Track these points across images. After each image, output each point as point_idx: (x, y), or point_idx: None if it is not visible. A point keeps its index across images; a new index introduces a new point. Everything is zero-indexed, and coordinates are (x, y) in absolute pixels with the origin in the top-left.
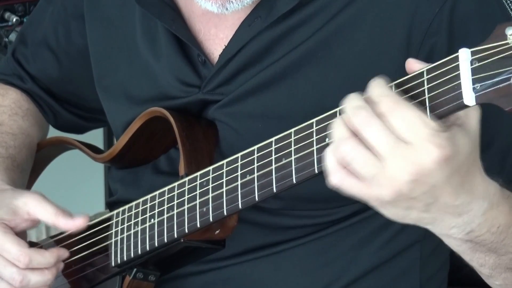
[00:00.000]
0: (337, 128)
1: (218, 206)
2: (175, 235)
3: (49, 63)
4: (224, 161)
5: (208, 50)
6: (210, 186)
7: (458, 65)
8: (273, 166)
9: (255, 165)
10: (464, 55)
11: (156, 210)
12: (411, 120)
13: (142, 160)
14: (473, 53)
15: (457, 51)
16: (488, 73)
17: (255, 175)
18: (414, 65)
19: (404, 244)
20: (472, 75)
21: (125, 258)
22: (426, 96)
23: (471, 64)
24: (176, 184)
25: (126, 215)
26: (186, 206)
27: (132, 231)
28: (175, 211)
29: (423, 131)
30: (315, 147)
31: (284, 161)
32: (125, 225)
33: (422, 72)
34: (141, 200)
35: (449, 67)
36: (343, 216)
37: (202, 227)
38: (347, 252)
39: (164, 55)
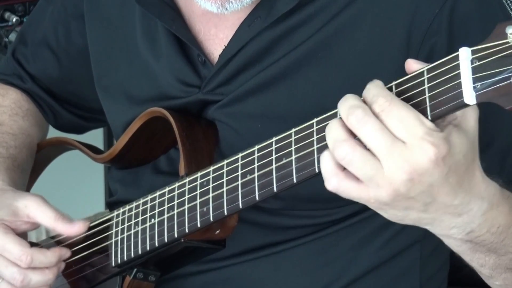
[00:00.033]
0: (333, 130)
1: (219, 206)
2: (176, 235)
3: (49, 63)
4: (225, 161)
5: (208, 50)
6: (211, 186)
7: (458, 64)
8: (274, 166)
9: (256, 164)
10: (465, 54)
11: (157, 210)
12: (407, 120)
13: (142, 160)
14: (473, 52)
15: (457, 51)
16: (488, 72)
17: (256, 174)
18: (413, 66)
19: (404, 244)
20: (473, 74)
21: (125, 258)
22: (427, 95)
23: (472, 63)
24: (176, 184)
25: (126, 215)
26: (186, 206)
27: (132, 231)
28: (175, 211)
29: (419, 130)
30: (315, 147)
31: (284, 161)
32: (125, 225)
33: (423, 72)
34: (141, 200)
35: (449, 66)
36: (343, 216)
37: (203, 227)
38: (347, 252)
39: (164, 55)
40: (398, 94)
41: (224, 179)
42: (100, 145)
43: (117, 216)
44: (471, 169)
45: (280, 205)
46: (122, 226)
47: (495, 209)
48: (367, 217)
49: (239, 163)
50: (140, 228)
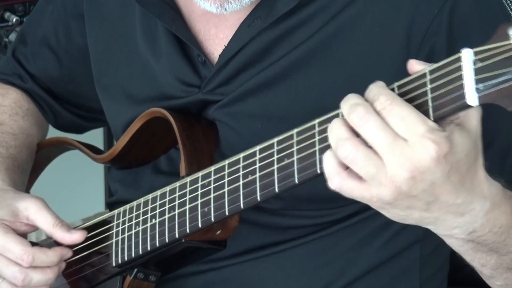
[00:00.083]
0: (336, 129)
1: (220, 206)
2: (177, 235)
3: (49, 63)
4: (226, 162)
5: (208, 50)
6: (212, 186)
7: (461, 65)
8: (275, 167)
9: (257, 165)
10: (467, 56)
11: (158, 210)
12: (408, 117)
13: (142, 160)
14: (476, 54)
15: (457, 52)
16: (491, 74)
17: (257, 175)
18: (415, 66)
19: (404, 244)
20: (475, 76)
21: (126, 258)
22: (429, 96)
23: (474, 65)
24: (177, 184)
25: (127, 215)
26: (187, 206)
27: (133, 231)
28: (176, 211)
29: (420, 128)
30: (317, 147)
31: (286, 161)
32: (126, 225)
33: (425, 73)
34: (142, 200)
35: (451, 68)
36: (343, 216)
37: (204, 227)
38: (347, 252)
39: (164, 55)
40: (401, 95)
41: (226, 180)
42: (100, 145)
43: (118, 216)
44: (473, 168)
45: (280, 205)
46: (123, 226)
47: (497, 209)
48: (367, 217)
49: (241, 164)
50: (141, 228)
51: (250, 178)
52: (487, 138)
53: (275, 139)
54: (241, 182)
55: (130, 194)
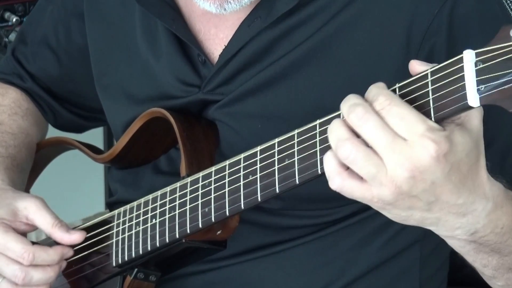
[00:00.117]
0: (336, 130)
1: (220, 207)
2: (177, 236)
3: (49, 62)
4: (227, 162)
5: (208, 50)
6: (213, 186)
7: (462, 66)
8: (276, 167)
9: (258, 166)
10: (469, 57)
11: (158, 211)
12: (408, 117)
13: (142, 160)
14: (477, 55)
15: (456, 52)
16: (492, 75)
17: (258, 175)
18: (417, 67)
19: (404, 244)
20: (477, 77)
21: (126, 258)
22: (431, 97)
23: (476, 66)
24: (178, 184)
25: (127, 215)
26: (188, 207)
27: (133, 231)
28: (177, 212)
29: (420, 127)
30: (318, 148)
31: (287, 162)
32: (127, 225)
33: (427, 74)
34: (142, 200)
35: (453, 69)
36: (343, 216)
37: (204, 228)
38: (347, 252)
39: (164, 55)
40: (402, 96)
41: (226, 180)
42: (100, 145)
43: (118, 216)
44: (475, 169)
45: (280, 205)
46: (123, 226)
47: (499, 210)
48: (367, 217)
49: (242, 164)
50: (141, 228)
51: (250, 178)
52: (487, 137)
53: (276, 140)
54: (241, 183)
55: (130, 194)
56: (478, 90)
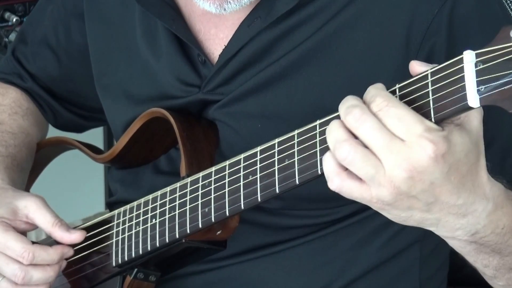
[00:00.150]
0: (334, 131)
1: (220, 207)
2: (177, 236)
3: (49, 62)
4: (227, 162)
5: (208, 50)
6: (213, 186)
7: (462, 67)
8: (276, 167)
9: (258, 166)
10: (469, 57)
11: (158, 211)
12: (405, 118)
13: (142, 160)
14: (477, 55)
15: (456, 52)
16: (492, 75)
17: (258, 176)
18: (417, 68)
19: (404, 244)
20: (477, 77)
21: (126, 258)
22: (431, 98)
23: (476, 66)
24: (178, 185)
25: (127, 215)
26: (188, 207)
27: (133, 231)
28: (176, 212)
29: (418, 127)
30: (318, 149)
31: (287, 162)
32: (127, 225)
33: (427, 75)
34: (142, 200)
35: (453, 69)
36: (343, 216)
37: (204, 228)
38: (346, 252)
39: (164, 55)
40: (402, 97)
41: (226, 180)
42: (100, 145)
43: (118, 215)
44: (474, 169)
45: (280, 205)
46: (123, 226)
47: (499, 210)
48: (367, 217)
49: (242, 165)
50: (141, 228)
51: (250, 178)
52: (487, 138)
53: (276, 140)
54: (241, 183)
55: (130, 194)
56: (478, 90)
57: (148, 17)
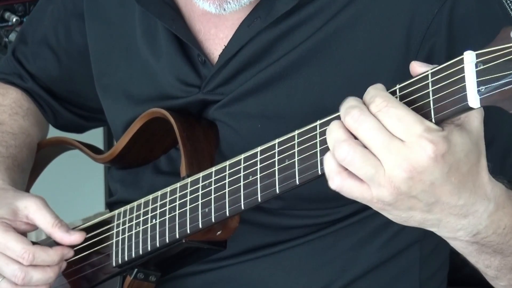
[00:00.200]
0: (334, 131)
1: (221, 207)
2: (177, 236)
3: (49, 62)
4: (227, 163)
5: (208, 50)
6: (213, 187)
7: (463, 67)
8: (276, 168)
9: (258, 166)
10: (469, 58)
11: (158, 211)
12: (405, 118)
13: (143, 160)
14: (478, 56)
15: (456, 52)
16: (493, 76)
17: (258, 176)
18: (417, 68)
19: (404, 244)
20: (477, 78)
21: (126, 258)
22: (431, 98)
23: (476, 67)
24: (178, 185)
25: (127, 215)
26: (188, 207)
27: (133, 231)
28: (177, 212)
29: (417, 128)
30: (318, 149)
31: (287, 163)
32: (127, 225)
33: (427, 75)
34: (142, 200)
35: (453, 70)
36: (343, 216)
37: (204, 228)
38: (347, 252)
39: (164, 55)
40: (402, 97)
41: (227, 181)
42: (100, 145)
43: (118, 216)
44: (475, 169)
45: (280, 205)
46: (124, 226)
47: (501, 210)
48: (367, 217)
49: (242, 165)
50: (141, 228)
51: (251, 179)
52: (487, 138)
53: (276, 140)
54: (242, 183)
55: (130, 194)
56: (478, 91)
57: (148, 17)
